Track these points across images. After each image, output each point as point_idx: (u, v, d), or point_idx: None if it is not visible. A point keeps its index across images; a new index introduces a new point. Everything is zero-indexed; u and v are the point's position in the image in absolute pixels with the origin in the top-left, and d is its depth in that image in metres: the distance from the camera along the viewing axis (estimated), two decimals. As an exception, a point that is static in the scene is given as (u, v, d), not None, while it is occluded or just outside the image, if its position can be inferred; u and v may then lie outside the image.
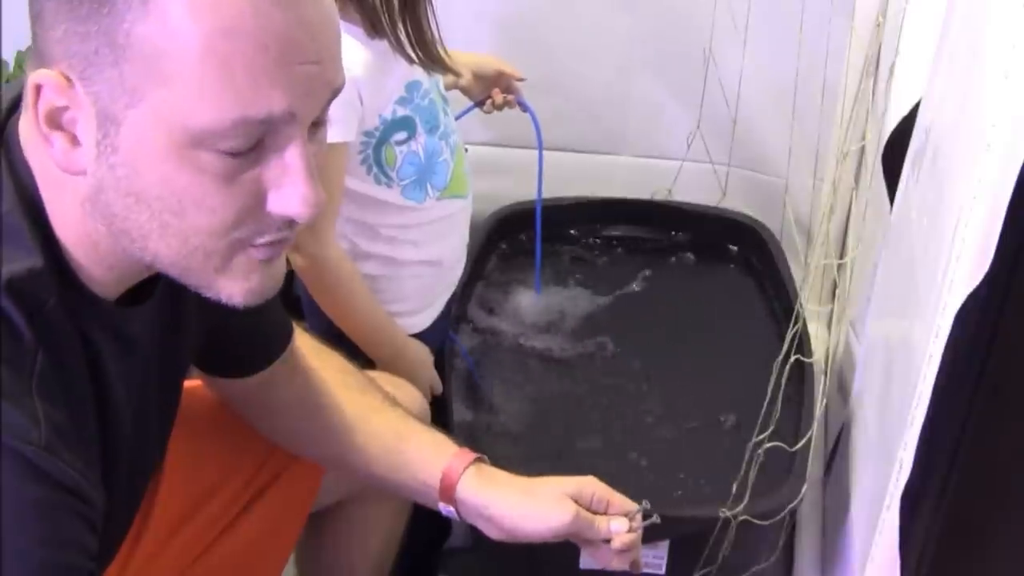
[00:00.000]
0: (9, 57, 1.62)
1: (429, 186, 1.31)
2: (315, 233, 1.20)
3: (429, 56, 1.23)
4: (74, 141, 0.68)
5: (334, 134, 1.05)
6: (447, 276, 1.43)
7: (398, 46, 1.20)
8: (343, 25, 0.73)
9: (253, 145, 0.68)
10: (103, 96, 0.66)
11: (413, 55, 1.21)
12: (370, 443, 1.03)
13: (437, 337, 1.43)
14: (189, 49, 0.64)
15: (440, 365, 1.42)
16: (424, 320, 1.40)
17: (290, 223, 0.72)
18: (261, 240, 0.72)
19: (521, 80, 1.51)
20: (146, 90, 0.65)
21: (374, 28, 1.18)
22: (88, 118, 0.67)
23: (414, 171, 1.28)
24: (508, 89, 1.51)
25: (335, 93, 0.71)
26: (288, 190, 0.70)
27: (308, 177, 0.70)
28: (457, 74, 1.34)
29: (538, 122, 1.52)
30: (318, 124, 0.72)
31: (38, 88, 0.67)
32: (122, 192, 0.69)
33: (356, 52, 1.18)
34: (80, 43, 0.65)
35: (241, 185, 0.69)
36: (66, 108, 0.68)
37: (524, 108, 1.52)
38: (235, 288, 0.73)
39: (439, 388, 1.37)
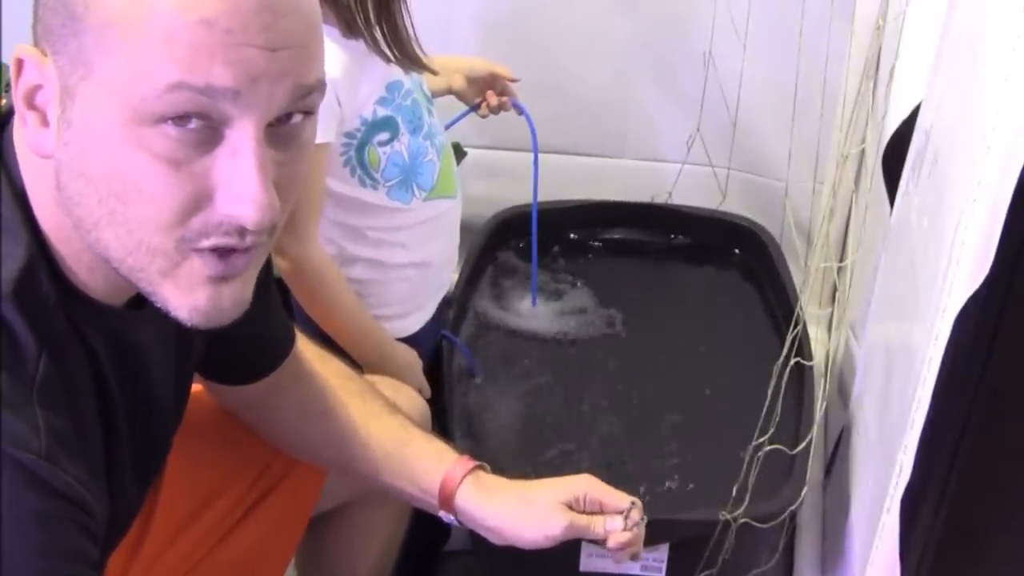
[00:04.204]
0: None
1: (415, 187, 1.30)
2: (298, 236, 1.19)
3: (405, 54, 1.22)
4: (44, 121, 0.68)
5: None
6: (436, 278, 1.41)
7: (374, 45, 1.19)
8: None
9: (200, 126, 0.65)
10: (65, 69, 0.66)
11: (389, 54, 1.21)
12: (371, 449, 1.03)
13: (428, 341, 1.41)
14: (136, 19, 0.63)
15: (435, 368, 1.41)
16: (414, 323, 1.39)
17: (241, 231, 0.67)
18: (207, 243, 0.68)
19: (514, 81, 1.49)
20: (96, 61, 0.64)
21: (349, 28, 1.18)
22: (55, 95, 0.67)
23: (399, 172, 1.28)
24: (502, 91, 1.49)
25: (301, 90, 0.67)
26: (237, 188, 0.66)
27: (259, 176, 0.66)
28: (434, 72, 1.32)
29: (533, 124, 1.49)
30: (290, 133, 0.69)
31: (20, 63, 0.68)
32: (75, 171, 0.67)
33: (332, 53, 1.17)
34: (51, 17, 0.66)
35: (188, 175, 0.65)
36: (40, 87, 0.68)
37: (519, 111, 1.49)
38: (180, 300, 0.69)
39: (427, 393, 1.35)
